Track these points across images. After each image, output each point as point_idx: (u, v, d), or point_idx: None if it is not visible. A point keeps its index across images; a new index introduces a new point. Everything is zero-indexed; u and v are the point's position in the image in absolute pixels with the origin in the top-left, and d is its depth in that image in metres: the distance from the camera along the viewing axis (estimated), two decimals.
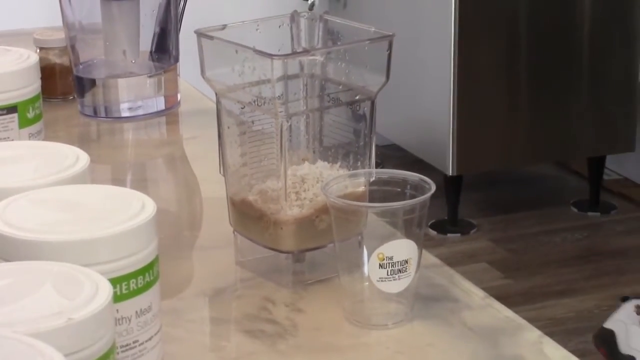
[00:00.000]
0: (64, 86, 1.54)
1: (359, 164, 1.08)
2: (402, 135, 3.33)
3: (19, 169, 0.93)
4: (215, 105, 1.10)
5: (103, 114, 1.49)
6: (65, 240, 0.80)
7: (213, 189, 1.20)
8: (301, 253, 1.06)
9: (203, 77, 1.08)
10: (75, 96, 1.52)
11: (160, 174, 1.33)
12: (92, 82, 1.50)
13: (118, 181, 1.28)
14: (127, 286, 0.82)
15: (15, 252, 0.79)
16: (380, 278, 0.98)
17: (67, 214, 0.84)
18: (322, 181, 1.04)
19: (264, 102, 1.04)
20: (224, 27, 1.08)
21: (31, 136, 1.14)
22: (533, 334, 0.97)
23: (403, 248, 0.98)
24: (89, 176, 0.95)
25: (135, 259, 0.82)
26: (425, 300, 1.02)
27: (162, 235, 0.86)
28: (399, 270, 0.98)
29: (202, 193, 1.32)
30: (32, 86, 1.15)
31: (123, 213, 0.83)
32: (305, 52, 1.11)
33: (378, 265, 0.97)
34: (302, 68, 1.07)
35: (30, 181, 0.91)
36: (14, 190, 0.87)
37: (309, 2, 3.15)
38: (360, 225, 1.00)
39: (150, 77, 1.50)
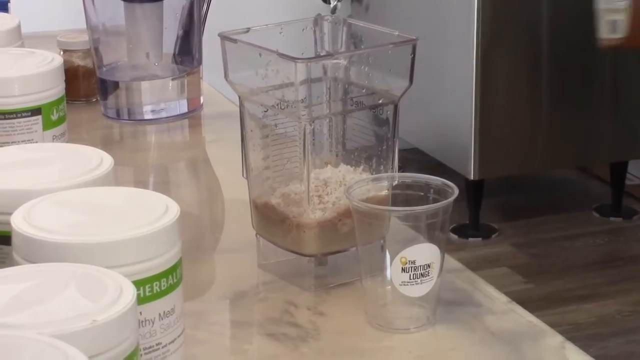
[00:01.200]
0: (87, 88, 1.55)
1: (382, 167, 1.08)
2: (423, 139, 3.32)
3: (43, 171, 0.94)
4: (238, 108, 1.10)
5: (126, 117, 1.49)
6: (89, 242, 0.80)
7: (235, 191, 1.20)
8: (324, 256, 1.06)
9: (226, 80, 1.08)
10: (99, 98, 1.52)
11: (182, 177, 1.34)
12: (116, 85, 1.50)
13: (141, 183, 1.29)
14: (150, 289, 0.82)
15: (40, 254, 0.80)
16: (402, 282, 0.98)
17: (92, 216, 0.84)
18: (345, 185, 1.04)
19: (287, 106, 1.04)
20: (247, 30, 1.09)
21: (55, 138, 1.14)
22: (555, 339, 0.97)
23: (425, 252, 0.98)
24: (113, 178, 0.95)
25: (159, 261, 0.82)
26: (447, 305, 1.01)
27: (184, 238, 0.86)
28: (422, 275, 0.98)
29: (225, 196, 1.32)
30: (56, 88, 1.15)
31: (147, 215, 0.84)
32: (329, 55, 1.11)
33: (400, 269, 0.97)
34: (325, 71, 1.07)
35: (54, 183, 0.91)
36: (38, 192, 0.88)
37: (332, 5, 3.15)
38: (383, 229, 1.00)
39: (173, 79, 1.50)
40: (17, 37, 1.29)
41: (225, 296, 1.06)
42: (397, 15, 3.24)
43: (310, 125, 1.03)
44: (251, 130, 1.08)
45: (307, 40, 1.12)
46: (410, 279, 0.97)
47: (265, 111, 1.07)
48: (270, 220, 1.07)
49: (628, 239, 3.30)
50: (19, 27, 1.30)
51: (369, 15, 3.21)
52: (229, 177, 1.30)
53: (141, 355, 0.81)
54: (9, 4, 1.41)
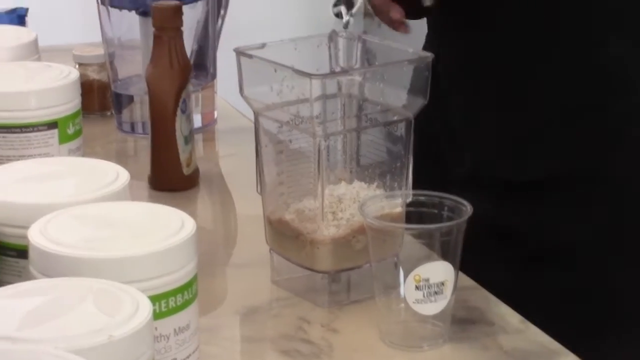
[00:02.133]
0: (102, 102, 1.55)
1: (396, 184, 1.08)
2: None
3: (60, 185, 0.94)
4: (252, 124, 1.10)
5: (140, 130, 1.50)
6: (106, 257, 0.80)
7: (248, 206, 1.20)
8: (337, 273, 1.06)
9: (241, 95, 1.09)
10: (113, 112, 1.53)
11: (196, 191, 1.34)
12: (130, 99, 1.50)
13: (155, 197, 1.29)
14: (166, 304, 0.82)
15: (57, 268, 0.80)
16: (416, 300, 0.98)
17: (108, 230, 0.84)
18: (359, 201, 1.04)
19: (302, 121, 1.04)
20: (263, 45, 1.09)
21: (71, 152, 1.14)
22: (568, 359, 0.97)
23: (439, 270, 0.98)
24: (129, 193, 0.96)
25: (175, 276, 0.82)
26: (461, 323, 1.01)
27: (198, 251, 0.87)
28: (435, 292, 0.98)
29: (238, 211, 1.32)
30: (73, 102, 1.15)
31: (163, 231, 0.84)
32: (344, 72, 1.12)
33: (414, 286, 0.97)
34: (340, 88, 1.07)
35: (71, 197, 0.91)
36: (55, 206, 0.88)
37: (344, 20, 3.16)
38: (397, 246, 1.00)
39: None
40: (34, 50, 1.29)
41: (238, 312, 1.06)
42: (412, 30, 3.23)
43: (325, 141, 1.03)
44: (265, 146, 1.09)
45: (322, 56, 1.12)
46: (424, 296, 0.97)
47: (279, 127, 1.07)
48: (284, 236, 1.07)
49: None
50: (35, 41, 1.30)
51: (381, 30, 3.20)
52: (243, 192, 1.30)
53: None
54: (26, 17, 1.42)
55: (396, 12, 1.20)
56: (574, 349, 0.99)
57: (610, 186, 1.22)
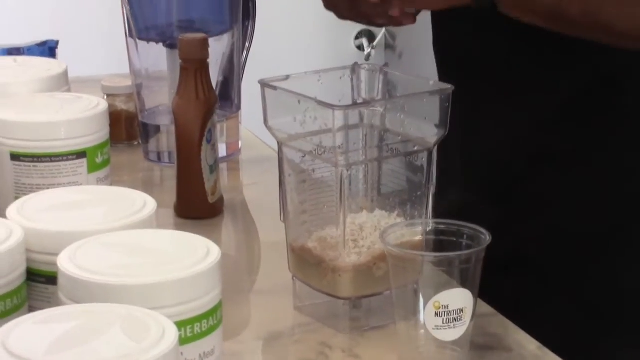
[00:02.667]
0: (130, 132, 1.56)
1: (416, 213, 1.08)
2: None
3: (88, 213, 0.95)
4: (275, 153, 1.11)
5: (167, 160, 1.50)
6: (133, 283, 0.81)
7: (272, 234, 1.20)
8: (358, 299, 1.06)
9: (266, 126, 1.09)
10: (140, 142, 1.54)
11: (220, 219, 1.34)
12: (157, 129, 1.51)
13: (181, 225, 1.29)
14: (191, 330, 0.82)
15: (85, 295, 0.80)
16: (436, 326, 0.97)
17: (136, 258, 0.85)
18: (380, 229, 1.04)
19: (325, 151, 1.04)
20: (287, 77, 1.09)
21: (99, 181, 1.15)
22: None
23: (458, 297, 0.97)
24: (156, 221, 0.96)
25: (200, 303, 0.83)
26: (479, 349, 1.01)
27: (222, 279, 0.87)
28: (455, 319, 0.97)
29: (261, 238, 1.32)
30: (101, 132, 1.16)
31: (189, 258, 0.84)
32: (366, 103, 1.12)
33: (434, 313, 0.97)
34: (362, 119, 1.08)
35: (99, 225, 0.92)
36: (84, 234, 0.88)
37: (365, 53, 3.17)
38: (417, 274, 1.00)
39: None
40: (64, 82, 1.30)
41: (261, 337, 1.06)
42: (430, 62, 3.24)
43: (347, 171, 1.04)
44: (289, 175, 1.09)
45: (344, 88, 1.13)
46: (443, 323, 0.97)
47: (303, 157, 1.07)
48: (307, 263, 1.07)
49: None
50: (65, 72, 1.31)
51: (402, 62, 3.22)
52: (266, 220, 1.30)
53: None
54: (56, 49, 1.43)
55: (395, 10, 1.19)
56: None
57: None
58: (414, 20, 1.21)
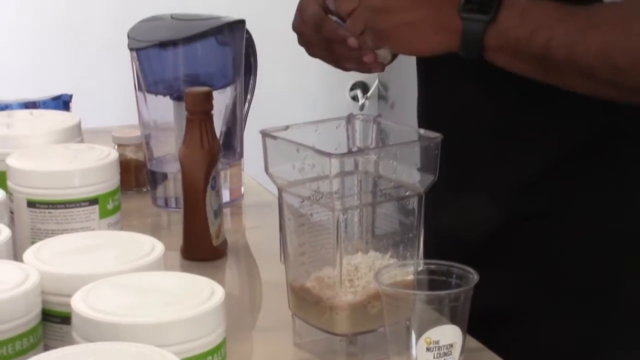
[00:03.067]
0: (139, 179, 1.56)
1: (408, 254, 1.08)
2: None
3: (100, 257, 0.95)
4: (276, 198, 1.11)
5: (174, 205, 1.50)
6: (142, 323, 0.81)
7: (272, 274, 1.20)
8: (354, 336, 1.06)
9: (267, 173, 1.09)
10: (149, 188, 1.54)
11: (224, 261, 1.34)
12: (164, 176, 1.51)
13: (187, 267, 1.30)
14: None
15: (97, 334, 0.81)
16: None
17: (144, 298, 0.85)
18: (374, 270, 1.04)
19: (322, 197, 1.05)
20: (286, 127, 1.10)
21: (110, 226, 1.15)
22: None
23: (448, 333, 0.98)
24: (163, 263, 0.96)
25: (206, 340, 0.83)
26: None
27: (226, 316, 0.87)
28: (445, 354, 0.97)
29: (263, 278, 1.32)
30: (112, 180, 1.16)
31: (195, 298, 0.85)
32: (360, 151, 1.12)
33: (425, 348, 0.97)
34: (357, 166, 1.08)
35: (110, 268, 0.92)
36: (96, 276, 0.89)
37: (360, 103, 3.18)
38: (409, 311, 1.00)
39: None
40: (78, 133, 1.31)
41: None
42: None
43: (343, 215, 1.04)
44: (288, 219, 1.09)
45: (340, 137, 1.13)
46: (434, 357, 0.97)
47: (301, 202, 1.08)
48: (306, 301, 1.07)
49: None
50: (79, 124, 1.32)
51: (394, 112, 3.23)
52: (267, 261, 1.30)
53: None
54: (70, 103, 1.44)
55: (369, 56, 1.18)
56: None
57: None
58: (382, 69, 1.19)
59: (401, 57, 1.22)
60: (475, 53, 1.07)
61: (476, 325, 1.03)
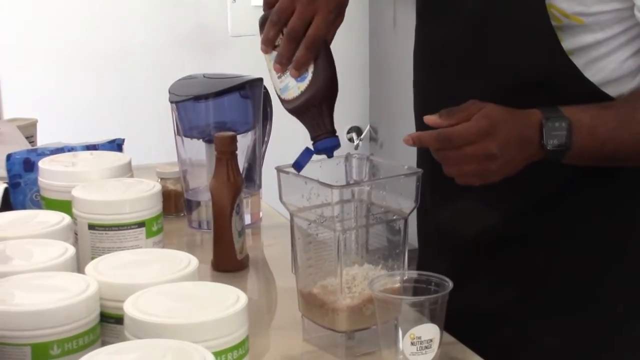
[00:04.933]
0: (177, 206, 1.56)
1: (395, 266, 1.07)
2: None
3: (147, 270, 0.94)
4: (288, 221, 1.11)
5: (205, 227, 1.50)
6: (181, 323, 0.80)
7: (285, 283, 1.20)
8: (352, 332, 1.05)
9: (281, 201, 1.09)
10: (185, 213, 1.53)
11: (246, 272, 1.34)
12: (198, 203, 1.51)
13: (216, 277, 1.29)
14: (225, 358, 0.82)
15: (144, 332, 0.80)
16: (411, 352, 0.97)
17: (183, 303, 0.84)
18: (368, 279, 1.04)
19: (325, 220, 1.04)
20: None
21: (154, 244, 1.14)
22: None
23: (429, 330, 0.97)
24: (197, 274, 0.96)
25: (232, 337, 0.82)
26: None
27: (248, 317, 0.86)
28: (426, 347, 0.97)
29: (277, 286, 1.31)
30: (156, 207, 1.16)
31: (223, 303, 0.84)
32: (356, 183, 1.12)
33: (410, 342, 0.97)
34: (353, 195, 1.08)
35: (155, 278, 0.91)
36: (143, 285, 0.88)
37: (355, 144, 3.18)
38: (397, 312, 0.99)
39: None
40: (128, 169, 1.30)
41: None
42: (404, 150, 3.24)
43: (342, 234, 1.04)
44: (298, 238, 1.09)
45: (339, 172, 1.13)
46: (417, 350, 0.97)
47: (309, 224, 1.07)
48: (312, 305, 1.07)
49: None
50: (129, 162, 1.31)
51: (383, 150, 3.23)
52: (281, 272, 1.30)
53: None
54: (122, 145, 1.44)
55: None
56: None
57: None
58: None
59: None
60: (553, 159, 1.03)
61: (467, 328, 1.02)
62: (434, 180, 1.10)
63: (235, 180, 1.31)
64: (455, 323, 1.02)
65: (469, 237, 1.18)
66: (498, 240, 1.17)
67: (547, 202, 1.13)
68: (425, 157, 1.12)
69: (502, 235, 1.16)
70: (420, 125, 1.20)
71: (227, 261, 1.32)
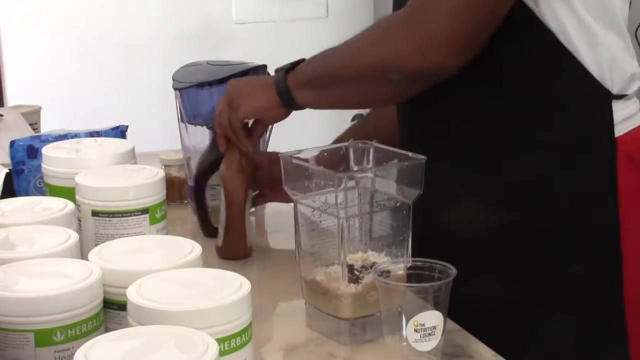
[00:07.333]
0: (181, 193, 1.56)
1: (399, 253, 1.07)
2: None
3: (150, 256, 0.94)
4: (292, 209, 1.11)
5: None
6: (184, 310, 0.80)
7: (289, 270, 1.20)
8: (356, 319, 1.05)
9: (284, 188, 1.09)
10: (189, 200, 1.53)
11: (250, 259, 1.34)
12: None
13: (221, 264, 1.29)
14: (229, 344, 0.82)
15: (148, 318, 0.80)
16: (415, 339, 0.97)
17: (186, 290, 0.84)
18: (371, 266, 1.04)
19: (329, 207, 1.04)
20: (300, 151, 1.10)
21: (158, 231, 1.14)
22: None
23: (432, 317, 0.97)
24: (201, 261, 0.96)
25: (236, 324, 0.82)
26: (448, 357, 1.00)
27: (252, 304, 0.86)
28: (429, 334, 0.97)
29: (281, 273, 1.31)
30: (160, 194, 1.16)
31: (226, 289, 0.84)
32: (360, 170, 1.12)
33: (413, 329, 0.97)
34: (357, 182, 1.08)
35: (158, 265, 0.91)
36: (147, 272, 0.88)
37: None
38: (400, 300, 0.99)
39: None
40: (132, 156, 1.30)
41: (281, 349, 1.06)
42: None
43: (346, 221, 1.04)
44: (302, 225, 1.09)
45: (344, 159, 1.13)
46: (420, 337, 0.97)
47: (312, 211, 1.07)
48: (316, 292, 1.07)
49: None
50: (133, 149, 1.31)
51: None
52: (285, 259, 1.30)
53: None
54: (126, 132, 1.44)
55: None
56: None
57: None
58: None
59: None
60: (287, 97, 1.19)
61: (473, 317, 1.02)
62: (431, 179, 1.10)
63: (248, 166, 1.30)
64: (459, 310, 1.02)
65: (467, 237, 1.18)
66: (497, 239, 1.17)
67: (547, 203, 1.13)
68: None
69: (502, 235, 1.16)
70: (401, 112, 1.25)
71: (238, 248, 1.31)
